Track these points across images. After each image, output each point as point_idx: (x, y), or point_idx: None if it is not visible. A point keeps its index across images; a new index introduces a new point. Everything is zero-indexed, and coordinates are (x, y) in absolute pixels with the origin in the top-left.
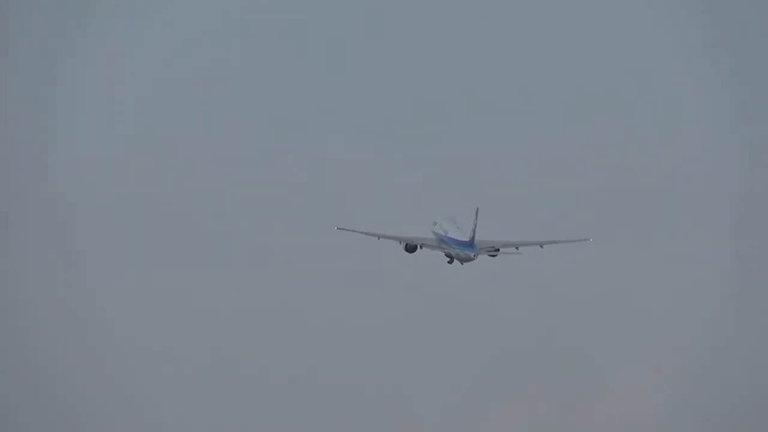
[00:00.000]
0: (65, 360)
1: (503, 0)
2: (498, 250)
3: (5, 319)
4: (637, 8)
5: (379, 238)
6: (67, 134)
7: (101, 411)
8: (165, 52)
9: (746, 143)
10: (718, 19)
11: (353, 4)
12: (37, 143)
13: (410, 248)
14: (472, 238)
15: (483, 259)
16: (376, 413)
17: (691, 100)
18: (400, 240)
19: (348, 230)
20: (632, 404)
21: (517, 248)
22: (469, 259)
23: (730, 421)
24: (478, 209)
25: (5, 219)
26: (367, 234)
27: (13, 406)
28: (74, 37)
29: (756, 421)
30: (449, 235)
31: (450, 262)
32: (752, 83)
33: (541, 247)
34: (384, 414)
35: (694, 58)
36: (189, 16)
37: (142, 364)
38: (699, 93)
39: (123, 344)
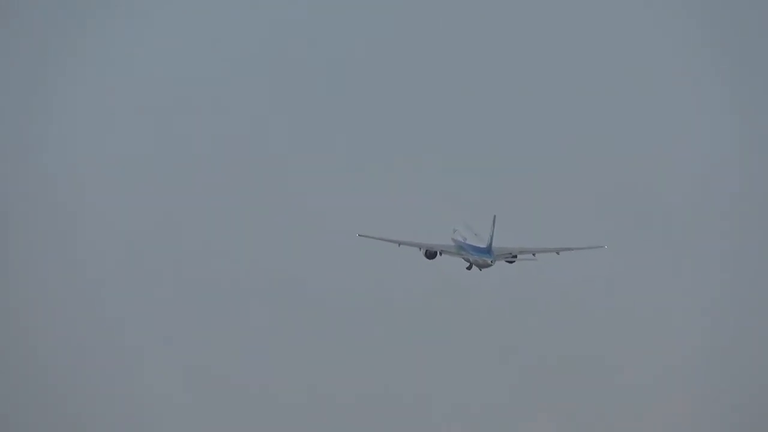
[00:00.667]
0: (63, 362)
1: (513, 8)
2: (515, 256)
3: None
4: (646, 13)
5: (399, 245)
6: (64, 136)
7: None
8: (163, 54)
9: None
10: (721, 20)
11: (359, 4)
12: (33, 145)
13: (430, 254)
14: (490, 244)
15: (501, 265)
16: (395, 417)
17: (702, 105)
18: (420, 246)
19: (369, 237)
20: (648, 408)
21: (533, 255)
22: (486, 265)
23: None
24: (495, 217)
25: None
26: (388, 241)
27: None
28: (71, 39)
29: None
30: (468, 241)
31: (469, 268)
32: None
33: (557, 253)
34: (403, 419)
35: (708, 67)
36: (187, 17)
37: (142, 370)
38: (715, 99)
39: (123, 348)
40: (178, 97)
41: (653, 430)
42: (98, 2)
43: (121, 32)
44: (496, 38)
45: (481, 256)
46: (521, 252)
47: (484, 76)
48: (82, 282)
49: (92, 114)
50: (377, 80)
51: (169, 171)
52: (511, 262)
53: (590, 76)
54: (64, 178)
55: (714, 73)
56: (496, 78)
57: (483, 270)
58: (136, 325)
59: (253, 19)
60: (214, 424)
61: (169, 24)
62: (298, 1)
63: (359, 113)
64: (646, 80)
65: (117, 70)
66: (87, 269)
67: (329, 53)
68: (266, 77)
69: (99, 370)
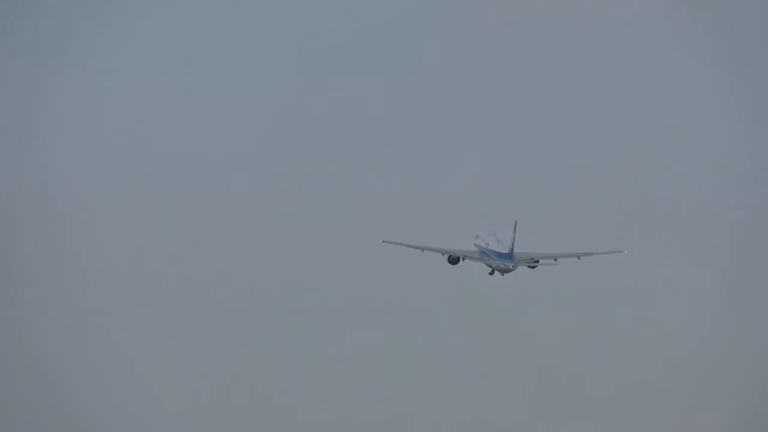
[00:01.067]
0: (59, 366)
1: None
2: (537, 261)
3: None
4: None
5: (423, 251)
6: (56, 140)
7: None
8: (164, 55)
9: None
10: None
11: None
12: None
13: (453, 260)
14: (511, 250)
15: (523, 270)
16: (418, 421)
17: (720, 110)
18: (443, 252)
19: (393, 243)
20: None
21: (555, 260)
22: (508, 270)
23: None
24: (516, 222)
25: None
26: (411, 247)
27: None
28: (65, 43)
29: None
30: (490, 247)
31: (491, 273)
32: None
33: (578, 258)
34: (425, 422)
35: (722, 72)
36: (183, 19)
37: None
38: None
39: (134, 362)
40: (179, 99)
41: None
42: (89, 6)
43: (110, 39)
44: (514, 42)
45: (503, 261)
46: (543, 257)
47: (503, 81)
48: (80, 290)
49: (81, 122)
50: (397, 82)
51: (175, 177)
52: (533, 267)
53: (610, 82)
54: (53, 182)
55: (728, 79)
56: (517, 83)
57: (505, 275)
58: (149, 333)
59: (254, 20)
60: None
61: (169, 24)
62: (298, 4)
63: (383, 120)
64: (666, 86)
65: (107, 76)
66: (83, 273)
67: (345, 54)
68: (276, 77)
69: (96, 378)
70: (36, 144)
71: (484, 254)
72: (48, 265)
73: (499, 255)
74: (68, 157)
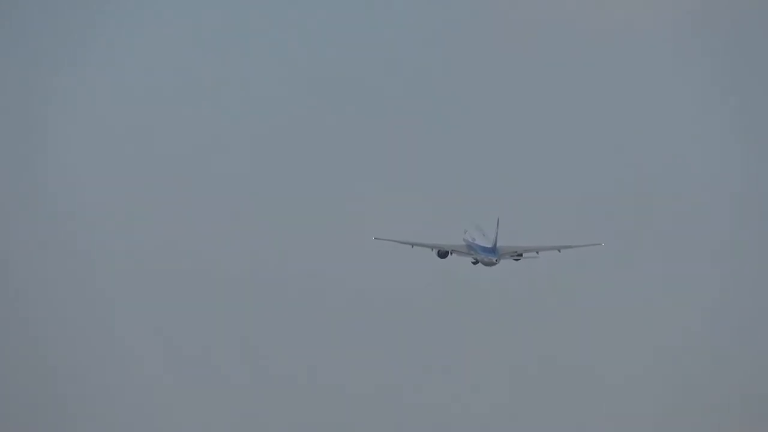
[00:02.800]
0: (57, 367)
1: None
2: (521, 255)
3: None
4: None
5: (413, 246)
6: (58, 142)
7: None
8: (165, 57)
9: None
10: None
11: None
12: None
13: (442, 254)
14: (495, 244)
15: (507, 262)
16: (411, 414)
17: (697, 106)
18: (432, 247)
19: (385, 239)
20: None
21: (537, 253)
22: (492, 264)
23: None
24: (498, 219)
25: None
26: (402, 243)
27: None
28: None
29: None
30: (476, 242)
31: (474, 263)
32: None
33: (559, 251)
34: (420, 416)
35: (710, 72)
36: (184, 22)
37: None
38: (703, 100)
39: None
40: (179, 101)
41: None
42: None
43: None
44: (509, 46)
45: (487, 256)
46: (525, 250)
47: (490, 80)
48: (81, 291)
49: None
50: (387, 83)
51: (172, 180)
52: (516, 259)
53: (590, 78)
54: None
55: (714, 75)
56: (502, 80)
57: (489, 267)
58: (156, 329)
59: (254, 23)
60: (229, 424)
61: (170, 25)
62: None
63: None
64: (648, 82)
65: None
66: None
67: (335, 55)
68: (273, 80)
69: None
70: (36, 144)
71: (471, 248)
72: (47, 267)
73: (484, 249)
74: (67, 156)
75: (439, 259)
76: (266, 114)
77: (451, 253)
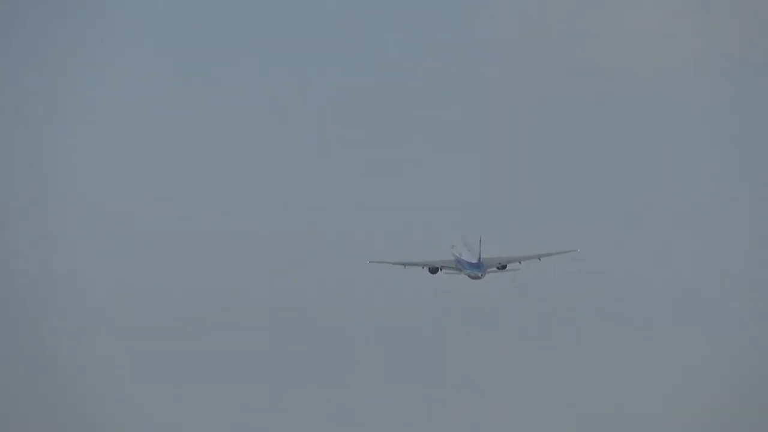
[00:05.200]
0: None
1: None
2: (505, 266)
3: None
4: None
5: (405, 266)
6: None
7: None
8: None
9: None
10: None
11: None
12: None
13: (432, 270)
14: (479, 260)
15: (493, 274)
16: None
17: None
18: (423, 265)
19: (379, 262)
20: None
21: (519, 262)
22: (477, 278)
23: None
24: (480, 238)
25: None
26: (395, 264)
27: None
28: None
29: None
30: (462, 257)
31: (459, 272)
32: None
33: (539, 259)
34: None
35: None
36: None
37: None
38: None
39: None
40: (181, 102)
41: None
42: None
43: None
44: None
45: (472, 271)
46: (509, 261)
47: (474, 94)
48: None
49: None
50: (373, 103)
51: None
52: (501, 269)
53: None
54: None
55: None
56: (492, 103)
57: (475, 281)
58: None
59: (255, 25)
60: None
61: (171, 26)
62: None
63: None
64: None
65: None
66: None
67: (325, 79)
68: (269, 87)
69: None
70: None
71: (458, 263)
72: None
73: (470, 264)
74: (67, 158)
75: (430, 274)
76: (256, 134)
77: (441, 269)
